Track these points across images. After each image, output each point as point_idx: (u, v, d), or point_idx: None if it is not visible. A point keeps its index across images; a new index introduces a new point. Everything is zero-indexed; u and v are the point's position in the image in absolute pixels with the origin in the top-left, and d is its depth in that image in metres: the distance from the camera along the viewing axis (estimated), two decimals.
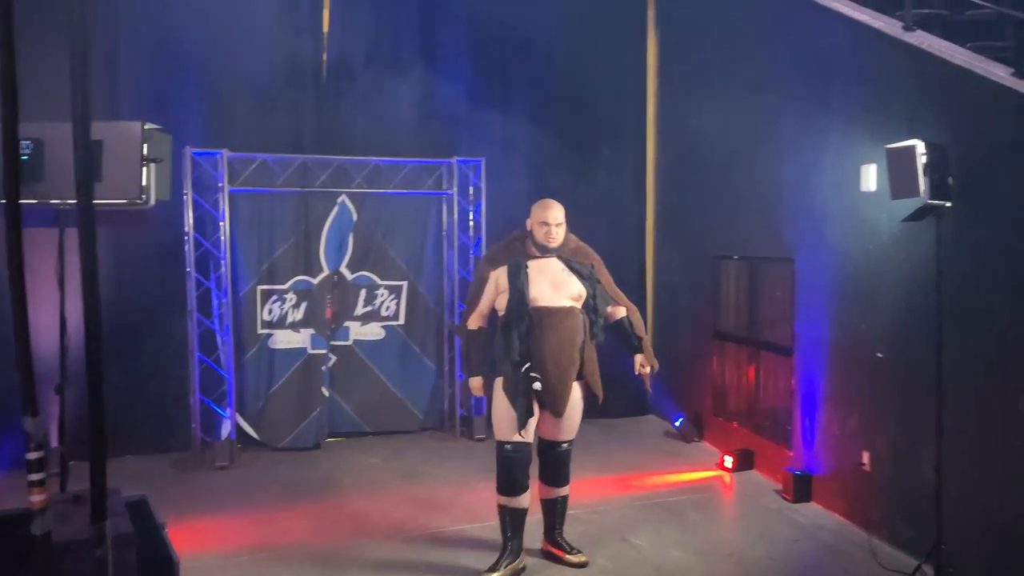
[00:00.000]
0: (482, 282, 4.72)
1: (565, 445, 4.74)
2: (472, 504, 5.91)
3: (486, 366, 4.71)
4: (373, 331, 7.79)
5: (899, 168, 4.32)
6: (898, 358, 5.04)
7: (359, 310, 7.75)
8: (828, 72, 5.70)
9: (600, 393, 4.72)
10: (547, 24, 8.14)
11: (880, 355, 5.16)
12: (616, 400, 8.40)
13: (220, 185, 7.04)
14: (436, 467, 6.87)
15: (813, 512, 5.70)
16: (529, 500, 4.68)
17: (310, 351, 7.48)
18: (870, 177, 5.21)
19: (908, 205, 4.40)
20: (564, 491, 4.85)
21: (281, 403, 7.36)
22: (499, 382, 4.59)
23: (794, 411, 6.08)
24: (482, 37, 8.04)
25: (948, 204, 4.30)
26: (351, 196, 7.59)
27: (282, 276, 7.40)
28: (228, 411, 7.01)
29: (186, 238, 6.94)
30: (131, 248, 6.92)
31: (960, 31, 5.24)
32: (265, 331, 7.36)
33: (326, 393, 7.55)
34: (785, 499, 5.92)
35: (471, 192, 7.87)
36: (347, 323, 7.69)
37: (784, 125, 6.22)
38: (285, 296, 7.42)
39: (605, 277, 4.80)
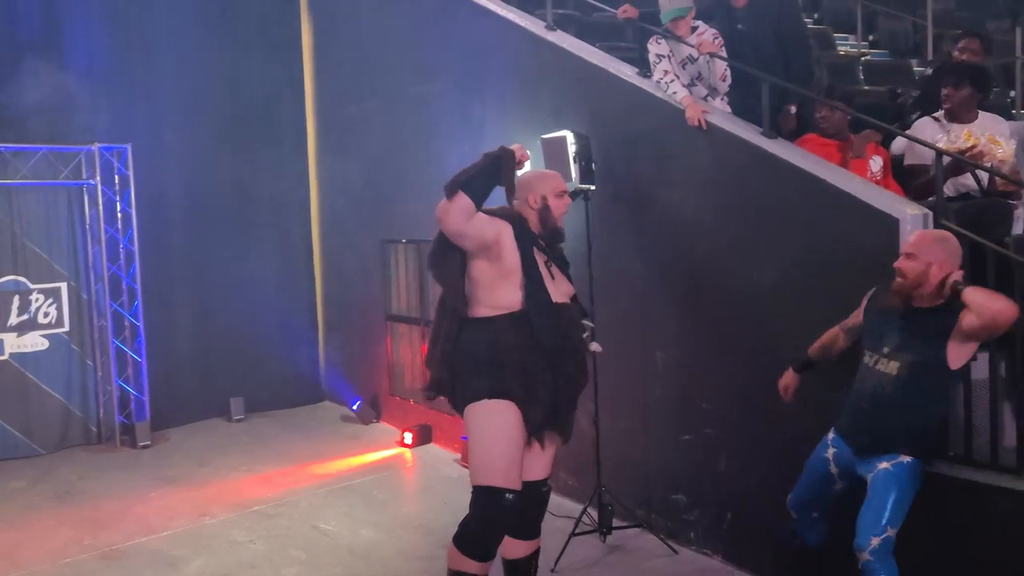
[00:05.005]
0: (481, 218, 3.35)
1: (549, 482, 3.71)
2: (145, 515, 5.52)
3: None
4: (33, 341, 6.95)
5: (553, 156, 4.75)
6: None
7: (13, 319, 6.87)
8: (483, 64, 6.06)
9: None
10: (196, 2, 7.71)
11: None
12: (288, 388, 8.35)
13: None
14: (96, 482, 6.28)
15: None
16: None
17: None
18: (527, 165, 5.65)
19: None
20: (539, 541, 3.72)
21: None
22: (491, 408, 3.30)
23: None
24: (121, 12, 7.39)
25: (593, 187, 4.82)
26: None
27: None
28: None
29: None
30: None
31: (591, 31, 5.89)
32: None
33: None
34: (464, 466, 6.26)
35: (117, 181, 7.22)
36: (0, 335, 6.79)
37: (447, 113, 6.49)
38: None
39: None
